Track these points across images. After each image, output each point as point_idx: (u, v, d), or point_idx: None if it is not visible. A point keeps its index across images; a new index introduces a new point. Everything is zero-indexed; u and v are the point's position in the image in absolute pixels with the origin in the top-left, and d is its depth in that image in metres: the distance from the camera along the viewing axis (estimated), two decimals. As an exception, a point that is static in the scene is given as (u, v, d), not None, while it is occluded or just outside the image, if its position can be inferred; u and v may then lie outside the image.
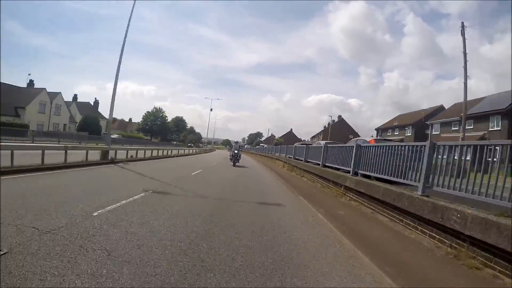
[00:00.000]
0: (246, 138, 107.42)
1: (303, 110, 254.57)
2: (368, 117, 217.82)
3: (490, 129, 27.11)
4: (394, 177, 5.44)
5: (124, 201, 5.13)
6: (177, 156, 23.82)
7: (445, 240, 3.73)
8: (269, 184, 10.91)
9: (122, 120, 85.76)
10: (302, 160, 14.00)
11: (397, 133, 42.46)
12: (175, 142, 63.41)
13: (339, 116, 61.42)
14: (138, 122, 72.72)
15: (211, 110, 58.97)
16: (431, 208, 3.90)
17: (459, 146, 4.09)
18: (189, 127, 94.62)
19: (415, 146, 5.09)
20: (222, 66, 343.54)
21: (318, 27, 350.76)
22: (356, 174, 7.38)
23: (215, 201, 6.29)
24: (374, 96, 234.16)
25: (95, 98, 58.38)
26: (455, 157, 4.12)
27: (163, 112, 71.38)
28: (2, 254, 2.50)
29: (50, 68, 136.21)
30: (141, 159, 16.07)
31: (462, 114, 31.67)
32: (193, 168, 13.89)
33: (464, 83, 19.37)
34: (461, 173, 3.92)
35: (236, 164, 17.99)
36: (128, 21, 14.25)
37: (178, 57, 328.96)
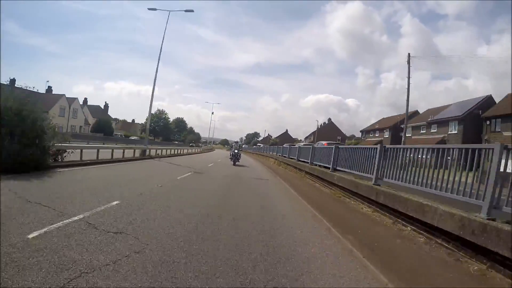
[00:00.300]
0: (244, 138, 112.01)
1: (300, 110, 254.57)
2: (366, 118, 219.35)
3: (449, 133, 32.39)
4: (346, 168, 10.35)
5: (184, 175, 10.00)
6: (187, 154, 28.66)
7: (377, 209, 5.77)
8: (260, 171, 15.84)
9: (125, 121, 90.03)
10: (286, 157, 18.96)
11: (377, 135, 47.70)
12: (176, 142, 68.08)
13: (329, 119, 66.75)
14: (142, 123, 77.13)
15: (212, 113, 64.17)
16: (370, 189, 5.84)
17: (401, 149, 5.35)
18: (188, 127, 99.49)
19: (370, 149, 6.53)
20: (220, 66, 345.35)
21: (315, 27, 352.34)
22: (312, 164, 12.30)
23: (231, 177, 11.17)
24: (371, 96, 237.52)
25: (105, 102, 63.00)
26: (400, 157, 5.23)
27: (165, 114, 75.97)
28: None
29: (46, 67, 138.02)
30: (167, 155, 20.93)
31: (429, 119, 37.14)
32: (206, 162, 18.76)
33: (406, 100, 24.86)
34: (402, 168, 5.06)
35: (236, 163, 18.46)
36: (163, 34, 18.86)
37: (176, 57, 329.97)
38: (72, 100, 43.33)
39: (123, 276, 2.37)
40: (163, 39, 19.07)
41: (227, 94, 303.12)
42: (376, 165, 5.88)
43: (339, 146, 9.28)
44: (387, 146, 6.06)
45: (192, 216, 4.62)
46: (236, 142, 21.62)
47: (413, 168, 4.82)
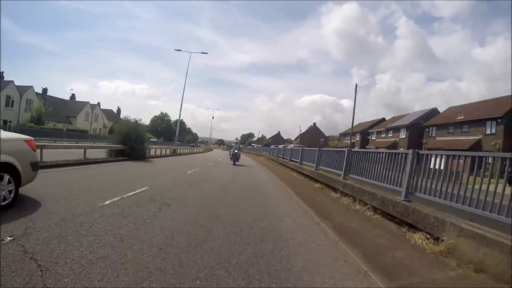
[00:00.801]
0: (239, 138, 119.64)
1: (295, 111, 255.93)
2: (360, 118, 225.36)
3: (400, 137, 41.40)
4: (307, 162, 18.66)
5: (209, 164, 18.20)
6: (195, 153, 36.75)
7: (322, 184, 16.75)
8: (252, 165, 24.14)
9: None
10: (272, 155, 27.32)
11: (351, 138, 56.70)
12: (178, 142, 75.79)
13: (314, 123, 75.42)
14: (147, 125, 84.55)
15: (213, 118, 72.68)
16: (320, 174, 16.70)
17: (359, 152, 7.20)
18: (187, 128, 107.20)
19: (339, 151, 14.51)
20: (215, 65, 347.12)
21: (311, 28, 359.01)
22: (291, 160, 20.59)
23: (235, 166, 19.35)
24: (366, 97, 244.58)
25: (118, 107, 70.38)
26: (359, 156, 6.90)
27: (168, 116, 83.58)
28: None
29: (41, 66, 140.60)
30: (187, 153, 29.05)
31: (387, 126, 46.17)
32: (214, 159, 26.88)
33: (352, 116, 33.88)
34: (361, 166, 6.74)
35: (236, 163, 19.19)
36: (186, 72, 27.01)
37: (171, 56, 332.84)
38: (95, 106, 50.75)
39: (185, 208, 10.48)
40: (186, 76, 27.25)
41: (223, 93, 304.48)
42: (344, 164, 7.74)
43: (305, 148, 17.41)
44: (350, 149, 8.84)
45: (217, 185, 12.78)
46: (236, 143, 22.80)
47: (368, 165, 6.47)
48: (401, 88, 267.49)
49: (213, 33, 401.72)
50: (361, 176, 6.73)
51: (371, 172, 6.27)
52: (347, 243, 3.78)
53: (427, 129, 37.60)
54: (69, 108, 47.76)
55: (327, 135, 71.11)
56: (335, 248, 3.83)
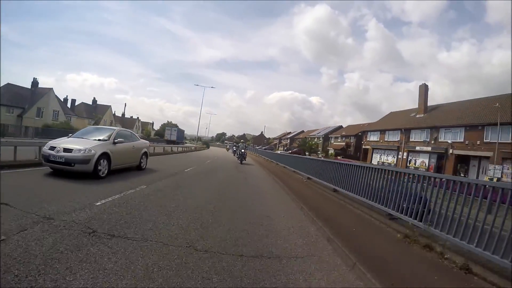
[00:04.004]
0: (214, 136, 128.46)
1: (265, 107, 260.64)
2: (329, 115, 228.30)
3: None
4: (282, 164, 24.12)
5: (220, 156, 23.52)
6: (195, 151, 41.94)
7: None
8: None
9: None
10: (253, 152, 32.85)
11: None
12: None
13: (261, 132, 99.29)
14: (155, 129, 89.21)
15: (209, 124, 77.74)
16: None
17: (281, 153, 21.46)
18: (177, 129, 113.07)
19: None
20: (185, 60, 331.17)
21: (282, 28, 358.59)
22: (256, 154, 26.00)
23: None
24: (335, 95, 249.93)
25: (125, 103, 74.37)
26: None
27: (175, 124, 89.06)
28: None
29: (4, 57, 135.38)
30: (198, 150, 34.29)
31: (313, 133, 53.77)
32: (216, 154, 32.09)
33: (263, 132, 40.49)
34: (283, 159, 21.84)
35: (243, 162, 19.04)
36: (200, 109, 31.99)
37: (140, 50, 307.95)
38: (106, 107, 55.43)
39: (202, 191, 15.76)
40: (200, 113, 32.10)
41: (192, 89, 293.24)
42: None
43: (257, 148, 22.79)
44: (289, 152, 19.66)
45: (222, 172, 18.08)
46: (242, 142, 21.86)
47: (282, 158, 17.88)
48: (369, 87, 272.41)
49: (184, 28, 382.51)
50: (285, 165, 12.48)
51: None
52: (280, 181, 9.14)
53: (330, 139, 52.04)
54: (91, 111, 51.77)
55: (296, 131, 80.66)
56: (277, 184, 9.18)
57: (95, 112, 48.56)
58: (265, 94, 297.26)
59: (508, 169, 19.59)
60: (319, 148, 49.39)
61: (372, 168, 5.80)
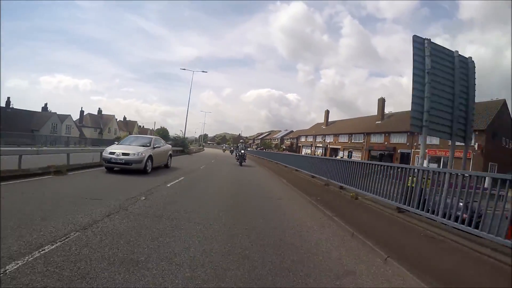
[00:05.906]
0: (197, 137, 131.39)
1: (242, 105, 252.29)
2: (306, 112, 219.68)
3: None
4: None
5: (220, 156, 26.24)
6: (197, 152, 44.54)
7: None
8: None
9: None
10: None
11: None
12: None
13: (239, 134, 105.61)
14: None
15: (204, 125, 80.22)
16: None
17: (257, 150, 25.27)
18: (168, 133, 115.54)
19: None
20: (160, 59, 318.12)
21: (258, 25, 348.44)
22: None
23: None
24: (312, 91, 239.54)
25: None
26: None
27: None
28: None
29: None
30: (200, 151, 36.86)
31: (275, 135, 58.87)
32: (216, 155, 34.67)
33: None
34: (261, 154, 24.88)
35: (243, 163, 18.34)
36: (189, 94, 34.68)
37: (115, 49, 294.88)
38: (111, 116, 57.31)
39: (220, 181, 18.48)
40: (189, 99, 34.84)
41: (168, 88, 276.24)
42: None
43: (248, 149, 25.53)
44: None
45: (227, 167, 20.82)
46: (242, 142, 21.96)
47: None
48: (345, 82, 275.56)
49: (159, 25, 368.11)
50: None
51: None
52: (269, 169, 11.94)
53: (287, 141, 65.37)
54: (99, 122, 53.46)
55: (273, 129, 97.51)
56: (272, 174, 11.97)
57: (101, 121, 52.20)
58: (242, 92, 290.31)
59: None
60: (278, 147, 67.45)
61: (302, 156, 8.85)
